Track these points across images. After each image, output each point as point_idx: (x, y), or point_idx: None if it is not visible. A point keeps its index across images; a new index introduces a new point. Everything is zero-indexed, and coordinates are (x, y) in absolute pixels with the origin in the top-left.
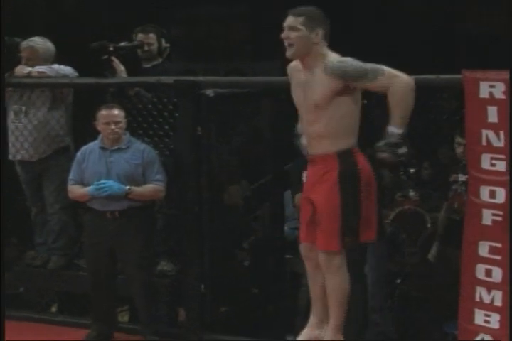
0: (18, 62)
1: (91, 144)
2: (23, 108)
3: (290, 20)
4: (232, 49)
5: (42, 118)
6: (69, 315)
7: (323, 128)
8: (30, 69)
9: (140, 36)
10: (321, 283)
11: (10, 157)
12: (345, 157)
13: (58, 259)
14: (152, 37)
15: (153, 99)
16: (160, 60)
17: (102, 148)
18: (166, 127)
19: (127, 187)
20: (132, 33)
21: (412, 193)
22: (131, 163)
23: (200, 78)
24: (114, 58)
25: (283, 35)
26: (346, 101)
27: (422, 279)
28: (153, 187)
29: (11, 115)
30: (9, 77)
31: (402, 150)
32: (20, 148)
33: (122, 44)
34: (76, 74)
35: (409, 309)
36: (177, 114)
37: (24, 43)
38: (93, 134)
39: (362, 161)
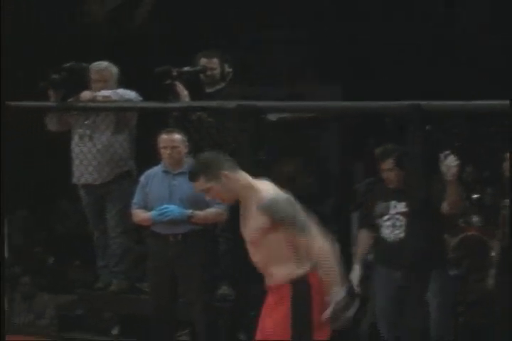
0: (85, 87)
1: (155, 168)
2: (88, 132)
3: (196, 187)
4: (293, 73)
5: (106, 142)
6: (130, 338)
7: (265, 260)
8: (95, 93)
9: (203, 61)
10: None
11: (74, 180)
12: (298, 286)
13: (120, 283)
14: (215, 62)
15: (215, 124)
16: (223, 84)
17: (165, 172)
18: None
19: (189, 211)
20: (195, 57)
21: (475, 219)
22: None
23: (263, 103)
24: (177, 83)
25: (207, 199)
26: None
27: (485, 307)
28: (215, 210)
29: (75, 138)
30: (75, 101)
31: (351, 312)
32: (84, 171)
33: (185, 69)
34: (140, 98)
35: (472, 338)
36: (239, 139)
37: (95, 65)
38: (156, 158)
39: (316, 285)
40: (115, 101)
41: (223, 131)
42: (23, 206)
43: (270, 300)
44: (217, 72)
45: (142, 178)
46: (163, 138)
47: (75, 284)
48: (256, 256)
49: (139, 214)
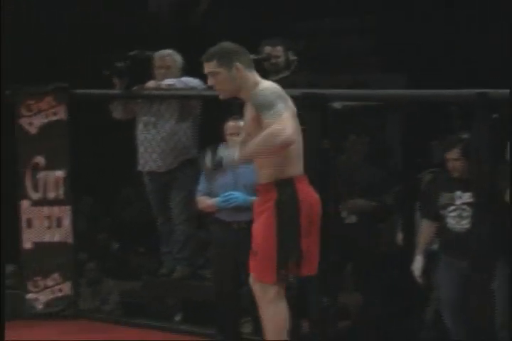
0: (149, 76)
1: None
2: (153, 119)
3: (206, 67)
4: (357, 61)
5: (169, 130)
6: (193, 324)
7: (257, 160)
8: (159, 82)
9: (267, 49)
10: None
11: (139, 168)
12: (284, 187)
13: (183, 269)
14: (279, 49)
15: None
16: (287, 72)
17: None
18: None
19: (253, 198)
20: (259, 45)
21: None
22: None
23: (328, 91)
24: None
25: (209, 83)
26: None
27: None
28: None
29: (140, 126)
30: (139, 89)
31: None
32: (148, 159)
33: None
34: (204, 86)
35: None
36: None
37: (158, 53)
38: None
39: (304, 191)
40: (180, 89)
41: None
42: (89, 193)
43: (257, 201)
44: (281, 60)
45: None
46: (230, 125)
47: (139, 271)
48: None
49: (204, 201)
